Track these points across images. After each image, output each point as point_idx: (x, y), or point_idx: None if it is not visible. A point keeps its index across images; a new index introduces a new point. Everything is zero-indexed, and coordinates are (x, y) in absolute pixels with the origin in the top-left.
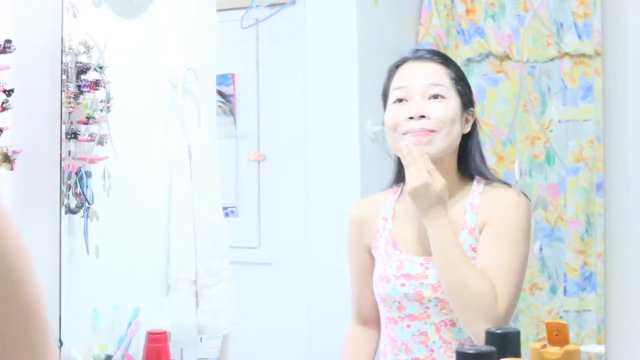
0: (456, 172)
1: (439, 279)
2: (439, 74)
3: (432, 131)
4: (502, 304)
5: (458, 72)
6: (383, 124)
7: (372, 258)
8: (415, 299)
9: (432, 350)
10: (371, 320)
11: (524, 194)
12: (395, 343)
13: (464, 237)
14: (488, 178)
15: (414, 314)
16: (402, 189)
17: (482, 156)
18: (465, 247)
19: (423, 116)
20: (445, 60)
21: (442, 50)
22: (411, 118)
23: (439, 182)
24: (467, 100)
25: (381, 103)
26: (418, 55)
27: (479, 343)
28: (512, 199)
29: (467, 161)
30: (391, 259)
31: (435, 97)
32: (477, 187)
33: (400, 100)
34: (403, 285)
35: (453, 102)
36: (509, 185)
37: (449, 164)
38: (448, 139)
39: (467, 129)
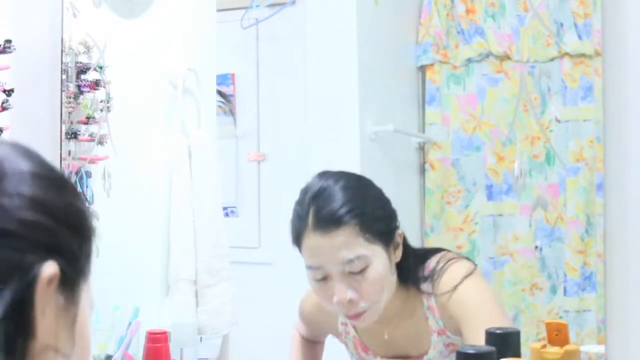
0: (399, 287)
1: None
2: (351, 244)
3: (365, 311)
4: None
5: (370, 209)
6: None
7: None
8: None
9: None
10: (318, 342)
11: (467, 258)
12: None
13: (435, 340)
14: (428, 276)
15: None
16: None
17: (419, 258)
18: (439, 348)
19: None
20: (350, 212)
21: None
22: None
23: None
24: (389, 233)
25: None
26: (318, 224)
27: None
28: (466, 285)
29: (406, 274)
30: None
31: (356, 272)
32: (426, 288)
33: (320, 279)
34: None
35: (378, 260)
36: (439, 250)
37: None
38: (384, 299)
39: (399, 255)
